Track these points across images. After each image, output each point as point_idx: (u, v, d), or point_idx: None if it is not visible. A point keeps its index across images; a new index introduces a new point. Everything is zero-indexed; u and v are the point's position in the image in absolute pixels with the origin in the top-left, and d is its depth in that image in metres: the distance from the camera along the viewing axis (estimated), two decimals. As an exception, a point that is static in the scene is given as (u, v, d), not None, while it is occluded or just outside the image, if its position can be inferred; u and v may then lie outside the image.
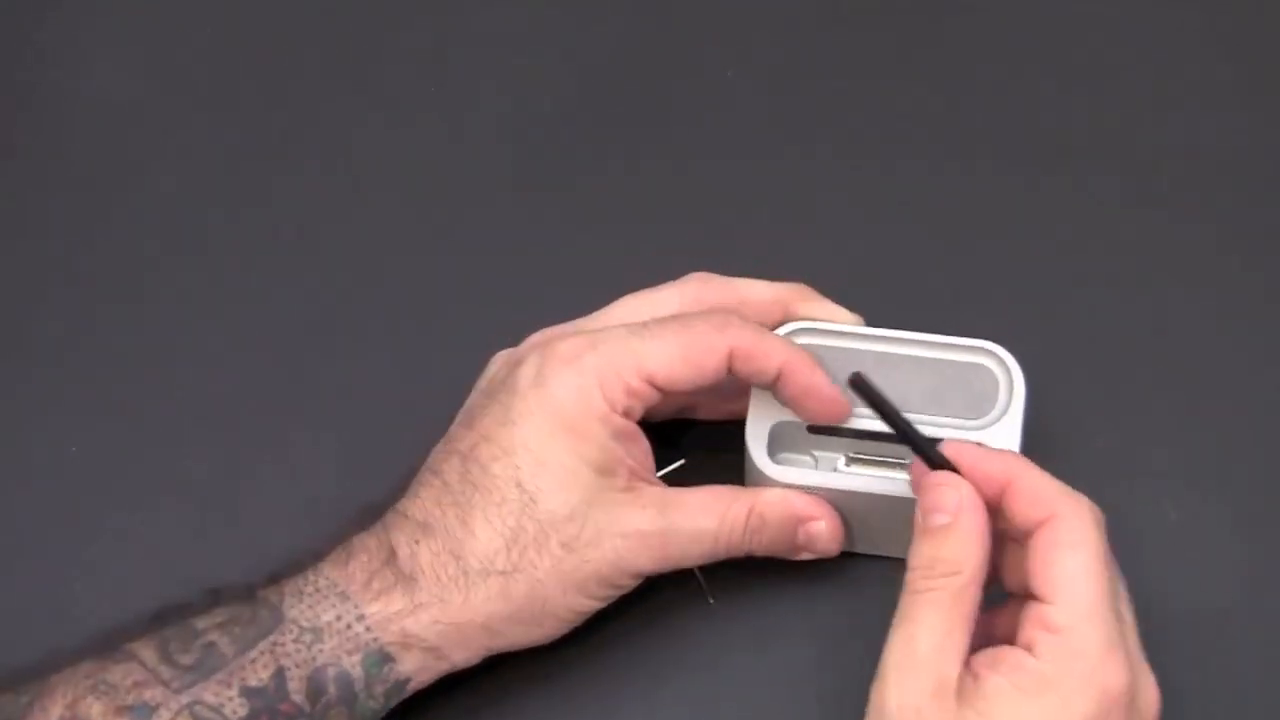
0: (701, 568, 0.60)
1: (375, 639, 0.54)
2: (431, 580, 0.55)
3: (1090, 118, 0.71)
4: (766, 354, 0.56)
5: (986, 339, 0.59)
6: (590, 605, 0.56)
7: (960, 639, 0.50)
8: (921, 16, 0.75)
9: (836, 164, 0.71)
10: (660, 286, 0.60)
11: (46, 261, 0.71)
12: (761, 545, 0.58)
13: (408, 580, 0.55)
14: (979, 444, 0.53)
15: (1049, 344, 0.63)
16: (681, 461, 0.60)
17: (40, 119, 0.75)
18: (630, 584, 0.57)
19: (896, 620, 0.51)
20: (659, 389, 0.56)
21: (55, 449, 0.67)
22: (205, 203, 0.72)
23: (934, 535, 0.51)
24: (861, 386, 0.52)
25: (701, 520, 0.56)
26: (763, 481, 0.59)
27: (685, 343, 0.56)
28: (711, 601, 0.61)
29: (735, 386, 0.58)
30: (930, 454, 0.52)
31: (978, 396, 0.58)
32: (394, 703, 0.56)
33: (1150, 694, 0.50)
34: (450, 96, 0.74)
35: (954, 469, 0.52)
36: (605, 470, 0.56)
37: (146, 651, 0.54)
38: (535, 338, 0.60)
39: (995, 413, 0.58)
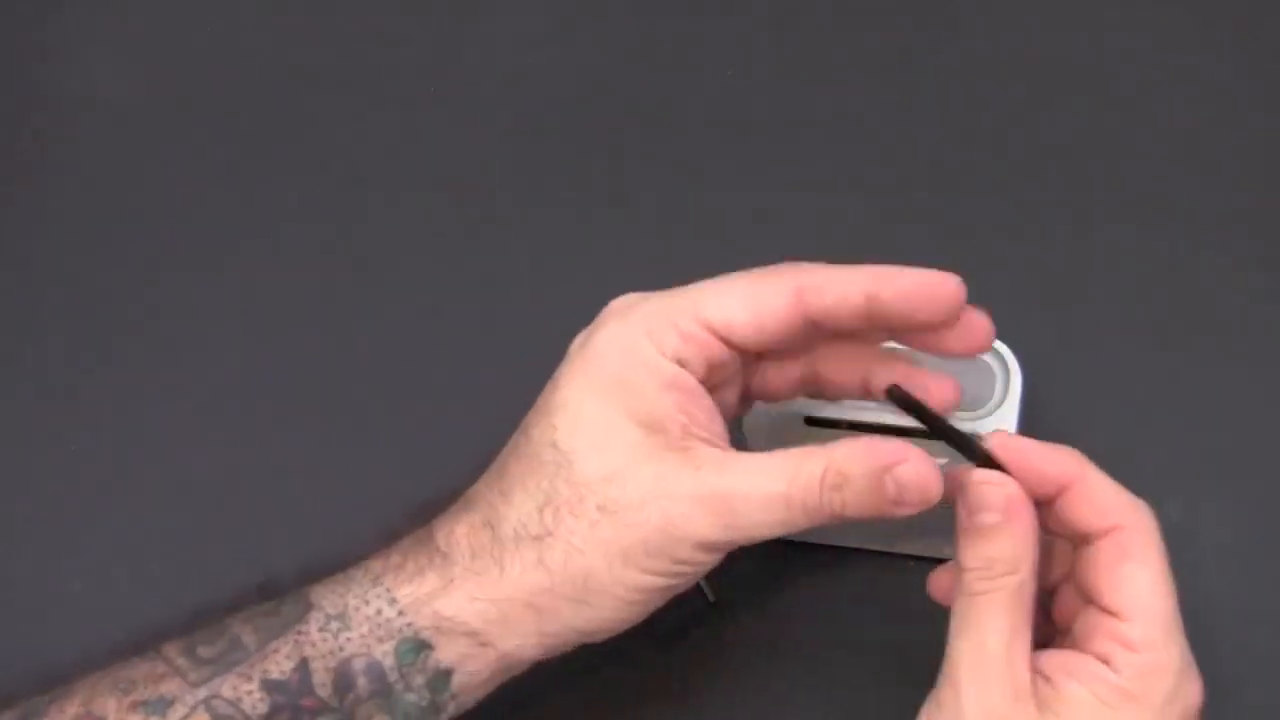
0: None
1: (409, 624, 0.50)
2: (465, 553, 0.51)
3: (1090, 116, 0.71)
4: (843, 280, 0.50)
5: None
6: (646, 581, 0.50)
7: (1026, 639, 0.49)
8: (922, 16, 0.75)
9: (836, 162, 0.71)
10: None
11: (46, 261, 0.72)
12: (847, 506, 0.50)
13: (443, 557, 0.51)
14: (1034, 440, 0.51)
15: (1049, 343, 0.63)
16: None
17: (40, 119, 0.75)
18: (695, 557, 0.50)
19: (959, 624, 0.49)
20: (719, 336, 0.51)
21: (55, 449, 0.67)
22: (205, 202, 0.72)
23: (986, 535, 0.49)
24: (898, 396, 0.51)
25: (767, 482, 0.50)
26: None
27: (746, 284, 0.51)
28: (711, 601, 0.61)
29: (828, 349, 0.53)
30: (975, 451, 0.51)
31: (975, 392, 0.58)
32: (443, 699, 0.51)
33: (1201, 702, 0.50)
34: (450, 96, 0.74)
35: (999, 466, 0.51)
36: (653, 426, 0.50)
37: (173, 648, 0.51)
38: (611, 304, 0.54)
39: (990, 408, 0.58)
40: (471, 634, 0.51)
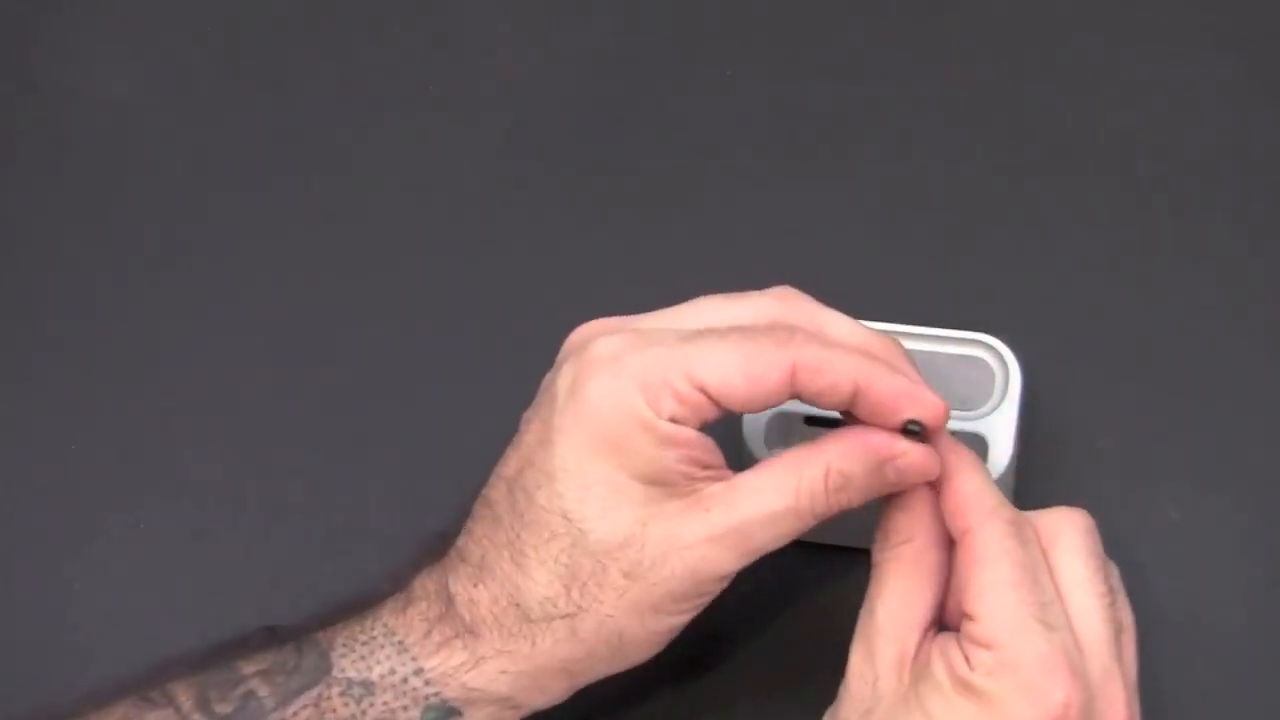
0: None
1: (436, 693, 0.51)
2: (494, 631, 0.51)
3: (1090, 115, 0.71)
4: (837, 369, 0.50)
5: (984, 333, 0.59)
6: (674, 623, 0.51)
7: (920, 606, 0.50)
8: (922, 15, 0.75)
9: (836, 160, 0.71)
10: (742, 293, 0.54)
11: (47, 261, 0.72)
12: (854, 501, 0.51)
13: (468, 632, 0.51)
14: (951, 436, 0.52)
15: (1049, 342, 0.63)
16: None
17: (40, 119, 0.75)
18: (716, 589, 0.51)
19: (865, 596, 0.51)
20: (713, 400, 0.50)
21: (55, 449, 0.67)
22: (205, 202, 0.72)
23: (885, 511, 0.52)
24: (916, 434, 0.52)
25: (774, 500, 0.50)
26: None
27: (744, 353, 0.50)
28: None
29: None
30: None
31: (974, 390, 0.58)
32: None
33: (1116, 709, 0.49)
34: (451, 96, 0.74)
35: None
36: (657, 480, 0.50)
37: (184, 696, 0.50)
38: (577, 335, 0.54)
39: (990, 406, 0.58)
40: (502, 699, 0.51)
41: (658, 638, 0.52)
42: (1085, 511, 0.52)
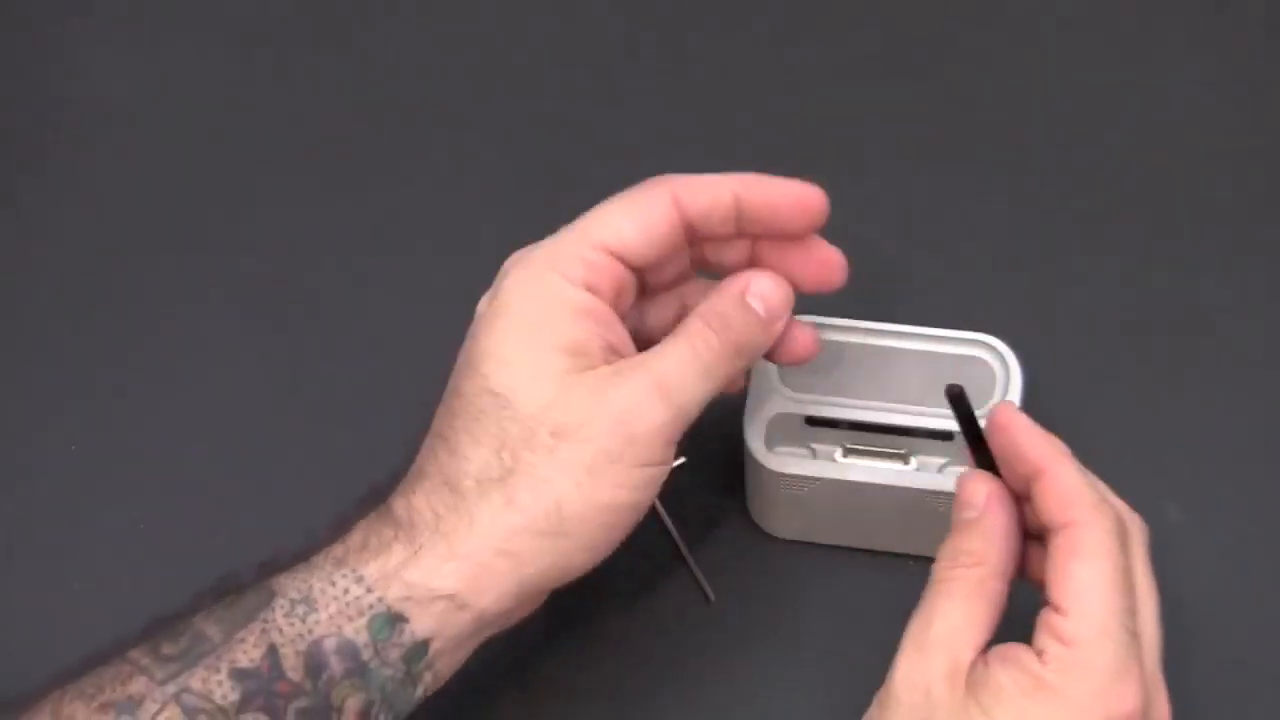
0: (701, 567, 0.60)
1: (379, 599, 0.50)
2: (428, 517, 0.51)
3: (1091, 115, 0.71)
4: (713, 185, 0.54)
5: (985, 333, 0.59)
6: (617, 496, 0.52)
7: (978, 628, 0.50)
8: (922, 16, 0.75)
9: (836, 160, 0.71)
10: None
11: (46, 261, 0.72)
12: (742, 338, 0.54)
13: (406, 528, 0.51)
14: (1030, 421, 0.52)
15: (1049, 342, 0.63)
16: (682, 460, 0.60)
17: (40, 119, 0.75)
18: (653, 453, 0.52)
19: (918, 607, 0.51)
20: (617, 256, 0.53)
21: (55, 449, 0.67)
22: (205, 202, 0.72)
23: (960, 529, 0.52)
24: (958, 397, 0.53)
25: (677, 351, 0.53)
26: (762, 474, 0.59)
27: (628, 201, 0.54)
28: (712, 600, 0.61)
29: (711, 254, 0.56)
30: (986, 460, 0.53)
31: (974, 390, 0.58)
32: (419, 669, 0.51)
33: (1161, 714, 0.50)
34: (450, 96, 0.74)
35: (996, 470, 0.52)
36: (577, 351, 0.52)
37: (137, 650, 0.50)
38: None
39: (990, 406, 0.58)
40: (447, 597, 0.51)
41: (602, 515, 0.52)
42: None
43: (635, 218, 0.54)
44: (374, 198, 0.72)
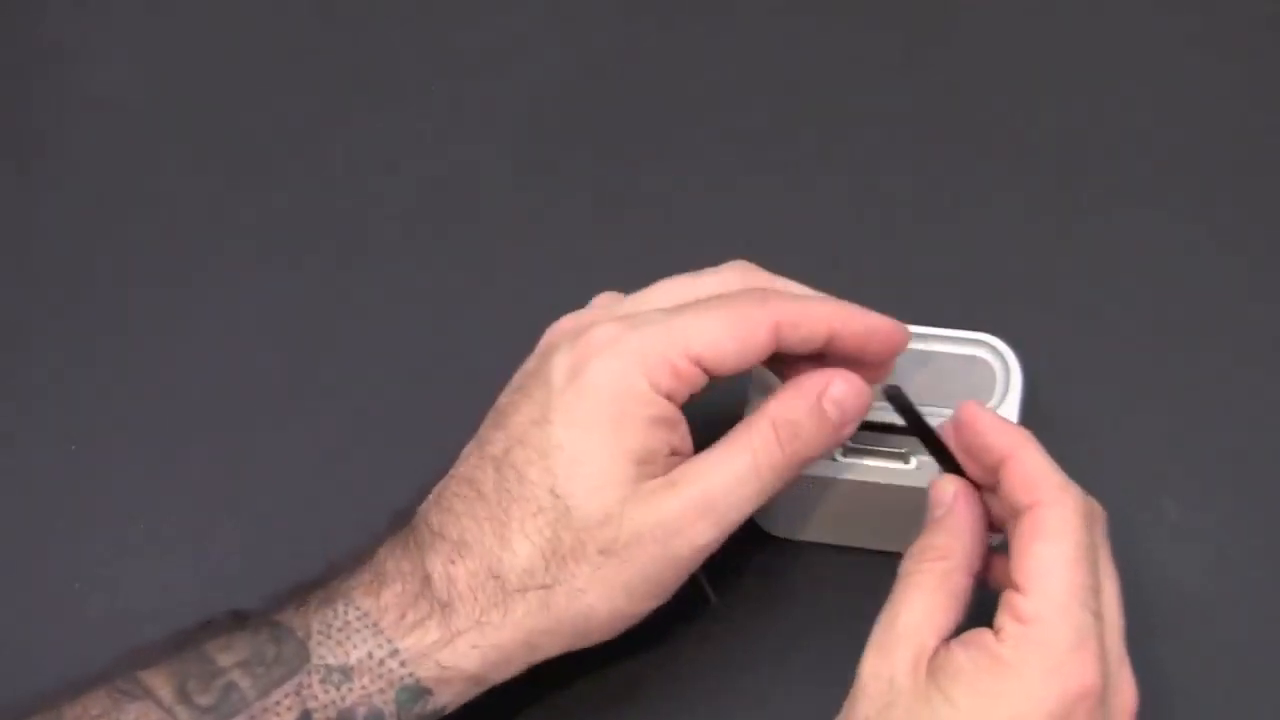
0: (702, 567, 0.60)
1: (410, 674, 0.52)
2: (469, 604, 0.52)
3: (1091, 115, 0.71)
4: (814, 318, 0.53)
5: (985, 333, 0.59)
6: (640, 609, 0.53)
7: (942, 619, 0.50)
8: (923, 15, 0.75)
9: (836, 160, 0.71)
10: (702, 271, 0.57)
11: (46, 261, 0.72)
12: (808, 448, 0.54)
13: (444, 608, 0.52)
14: (995, 414, 0.53)
15: (1049, 342, 0.63)
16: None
17: (41, 119, 0.75)
18: (688, 569, 0.53)
19: (886, 603, 0.51)
20: (706, 370, 0.53)
21: (55, 449, 0.67)
22: (206, 202, 0.72)
23: (929, 527, 0.52)
24: (894, 396, 0.53)
25: (734, 464, 0.53)
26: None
27: (730, 318, 0.53)
28: (712, 601, 0.61)
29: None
30: (948, 460, 0.54)
31: (975, 389, 0.58)
32: None
33: (1125, 696, 0.50)
34: (450, 96, 0.74)
35: (963, 472, 0.53)
36: (645, 459, 0.52)
37: (162, 688, 0.51)
38: (565, 323, 0.56)
39: (991, 406, 0.58)
40: (470, 677, 0.53)
41: (619, 623, 0.53)
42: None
43: (736, 339, 0.53)
44: (381, 196, 0.72)
